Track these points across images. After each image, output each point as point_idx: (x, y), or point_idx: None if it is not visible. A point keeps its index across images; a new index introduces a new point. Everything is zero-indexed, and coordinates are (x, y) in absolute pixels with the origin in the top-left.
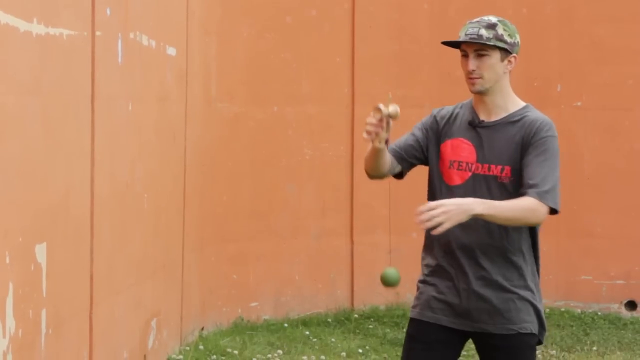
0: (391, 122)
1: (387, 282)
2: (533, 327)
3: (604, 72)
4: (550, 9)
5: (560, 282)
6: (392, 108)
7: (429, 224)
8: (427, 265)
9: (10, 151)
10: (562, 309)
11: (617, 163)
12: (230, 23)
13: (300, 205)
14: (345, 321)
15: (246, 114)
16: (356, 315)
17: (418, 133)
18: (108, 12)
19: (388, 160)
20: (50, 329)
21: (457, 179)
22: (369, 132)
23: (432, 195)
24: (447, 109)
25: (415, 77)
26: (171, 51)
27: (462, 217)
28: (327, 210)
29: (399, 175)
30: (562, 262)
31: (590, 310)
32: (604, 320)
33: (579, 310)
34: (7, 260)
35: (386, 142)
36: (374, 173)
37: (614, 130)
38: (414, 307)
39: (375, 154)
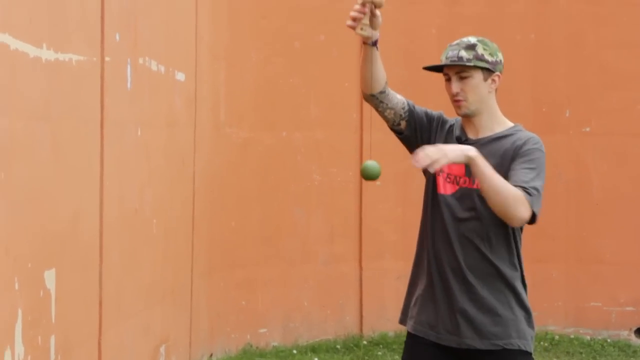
0: (378, 13)
1: (367, 175)
2: (522, 344)
3: (612, 98)
4: (559, 34)
5: (570, 309)
6: None
7: (426, 161)
8: (415, 283)
9: (19, 176)
10: (572, 336)
11: (626, 189)
12: (239, 48)
13: (309, 230)
14: (354, 347)
15: (255, 138)
16: (365, 342)
17: (430, 114)
18: (117, 37)
19: (381, 72)
20: (59, 355)
21: (444, 188)
22: (352, 18)
23: (425, 201)
24: (448, 119)
25: (424, 102)
26: (180, 76)
27: (459, 155)
28: (335, 236)
29: (399, 128)
30: (571, 288)
31: (599, 337)
32: (614, 347)
33: (588, 337)
34: (16, 286)
35: (375, 44)
36: (367, 84)
37: (623, 156)
38: (404, 315)
39: (365, 55)
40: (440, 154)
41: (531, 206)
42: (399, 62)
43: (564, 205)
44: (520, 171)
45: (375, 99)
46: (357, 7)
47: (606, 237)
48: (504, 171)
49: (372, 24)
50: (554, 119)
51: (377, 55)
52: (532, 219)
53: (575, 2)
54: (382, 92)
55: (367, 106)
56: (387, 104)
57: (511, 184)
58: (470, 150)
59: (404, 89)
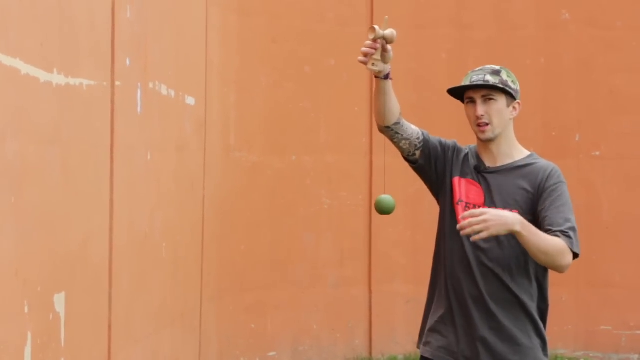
0: (389, 48)
1: (382, 209)
2: None
3: (622, 122)
4: (569, 58)
5: (580, 332)
6: (389, 31)
7: (468, 231)
8: (435, 311)
9: (29, 200)
10: (582, 359)
11: (636, 212)
12: (249, 72)
13: (319, 254)
14: None
15: (264, 163)
16: None
17: (444, 143)
18: (128, 62)
19: (395, 104)
20: None
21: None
22: (364, 54)
23: (441, 229)
24: (462, 147)
25: (433, 126)
26: (190, 101)
27: (501, 231)
28: (345, 259)
29: (414, 158)
30: (581, 312)
31: None
32: None
33: None
34: (26, 310)
35: (388, 76)
36: (382, 116)
37: (633, 180)
38: (421, 339)
39: (378, 88)
40: (484, 226)
41: (573, 249)
42: (408, 86)
43: None
44: (553, 211)
45: (390, 131)
46: (369, 42)
47: (616, 260)
48: (531, 202)
49: (384, 59)
50: (564, 143)
51: (390, 87)
52: (575, 256)
53: (585, 27)
54: (396, 124)
55: (377, 130)
56: (402, 135)
57: (547, 224)
58: (514, 225)
59: (414, 113)
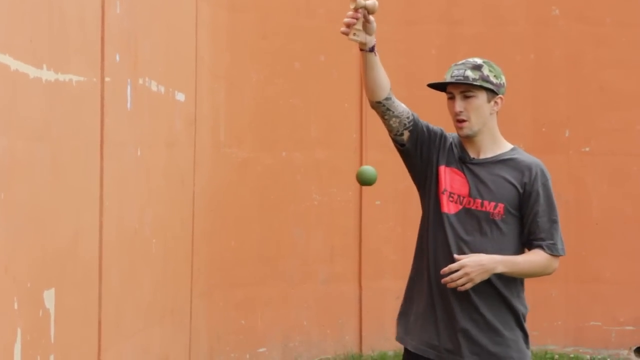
0: (371, 19)
1: (364, 180)
2: None
3: (612, 118)
4: (558, 54)
5: (569, 328)
6: (370, 1)
7: (452, 285)
8: (411, 300)
9: (18, 196)
10: (571, 355)
11: (626, 208)
12: (239, 69)
13: (309, 250)
14: None
15: (254, 159)
16: None
17: (432, 129)
18: (117, 58)
19: (384, 78)
20: None
21: (447, 207)
22: (346, 24)
23: (425, 219)
24: (448, 137)
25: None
26: (180, 97)
27: (484, 277)
28: (335, 256)
29: (401, 139)
30: (570, 307)
31: (599, 356)
32: None
33: (588, 357)
34: (16, 306)
35: (373, 50)
36: (371, 91)
37: (623, 176)
38: (400, 332)
39: (364, 62)
40: (466, 279)
41: (559, 254)
42: (398, 82)
43: (564, 225)
44: (541, 220)
45: (381, 106)
46: (350, 12)
47: (606, 256)
48: (517, 198)
49: (367, 30)
50: (554, 138)
51: (377, 61)
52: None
53: (575, 23)
54: (387, 99)
55: (366, 127)
56: (393, 112)
57: (533, 228)
58: (495, 268)
59: None
